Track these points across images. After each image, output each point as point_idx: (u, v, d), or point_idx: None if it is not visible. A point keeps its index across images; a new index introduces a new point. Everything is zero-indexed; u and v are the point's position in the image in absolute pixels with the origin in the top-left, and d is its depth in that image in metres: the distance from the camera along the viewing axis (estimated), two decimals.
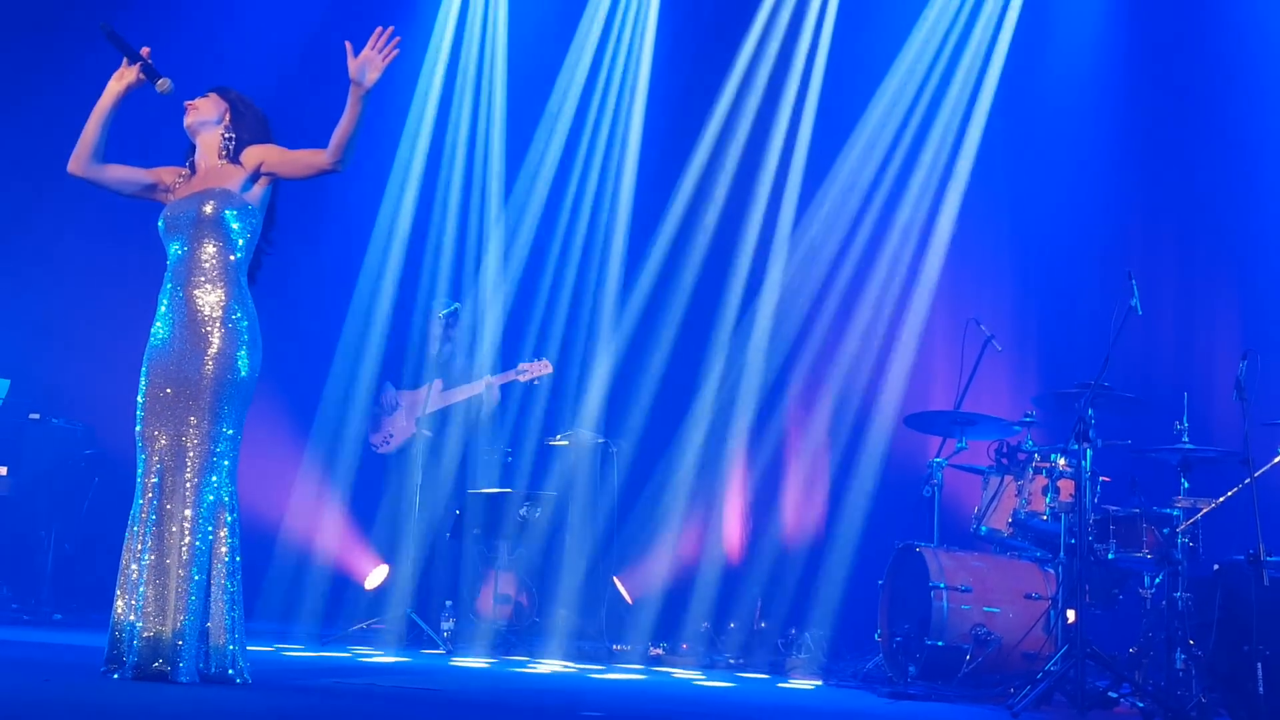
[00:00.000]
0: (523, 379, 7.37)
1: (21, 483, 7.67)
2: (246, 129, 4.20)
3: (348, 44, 3.90)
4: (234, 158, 4.15)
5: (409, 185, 8.32)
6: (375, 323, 8.14)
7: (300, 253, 6.73)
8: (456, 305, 7.45)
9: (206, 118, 4.19)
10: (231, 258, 4.06)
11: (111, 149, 4.14)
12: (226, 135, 4.16)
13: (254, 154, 4.15)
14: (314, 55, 7.76)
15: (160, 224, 4.11)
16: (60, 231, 8.04)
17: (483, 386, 7.36)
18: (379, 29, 3.91)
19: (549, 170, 8.40)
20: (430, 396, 7.37)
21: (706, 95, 8.34)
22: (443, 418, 7.46)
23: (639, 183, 8.42)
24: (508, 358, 7.81)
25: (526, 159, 8.45)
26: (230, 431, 3.99)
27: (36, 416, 7.69)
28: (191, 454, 3.92)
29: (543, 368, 7.35)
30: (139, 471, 3.96)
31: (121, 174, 4.15)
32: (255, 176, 4.14)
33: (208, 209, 4.05)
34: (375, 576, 7.76)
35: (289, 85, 7.40)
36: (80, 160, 4.07)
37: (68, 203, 7.79)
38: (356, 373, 7.98)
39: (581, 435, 7.75)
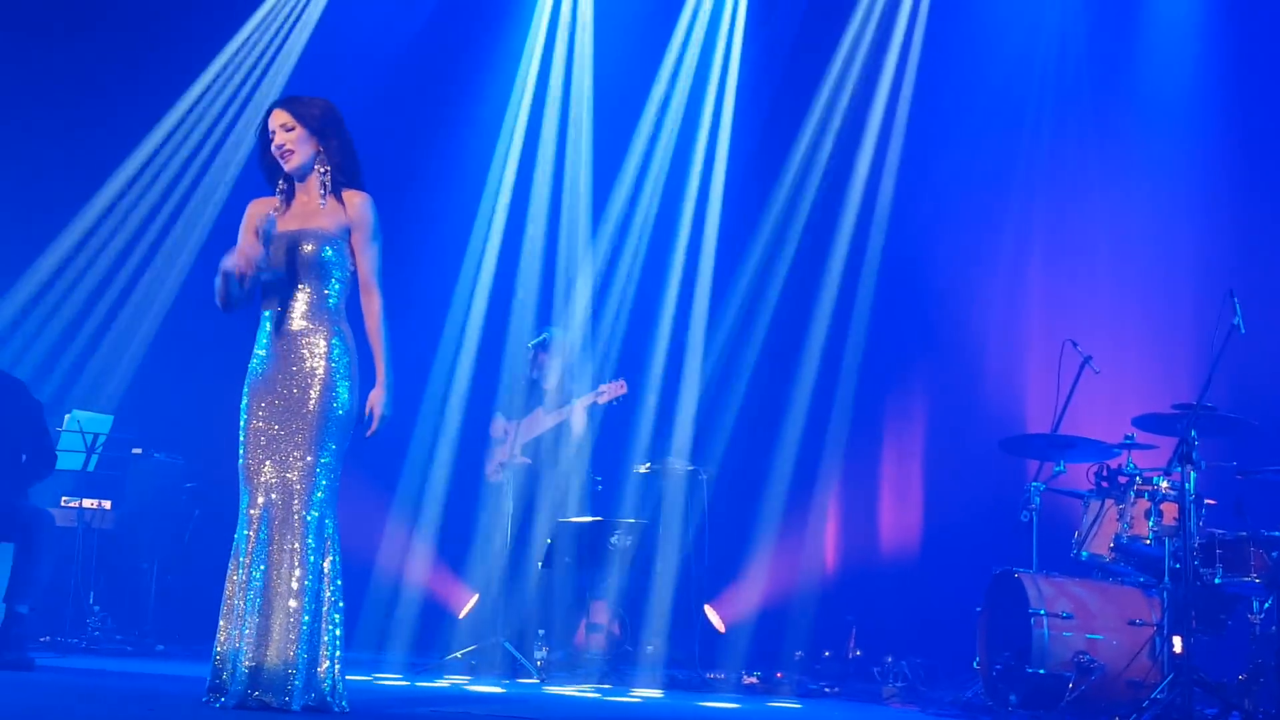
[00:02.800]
0: (601, 400, 7.32)
1: (125, 516, 7.76)
2: (338, 151, 4.17)
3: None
4: (335, 192, 4.14)
5: (497, 212, 8.36)
6: (465, 352, 8.18)
7: (392, 283, 6.52)
8: (546, 334, 7.44)
9: (304, 160, 4.17)
10: (332, 295, 4.10)
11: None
12: (323, 170, 4.15)
13: (354, 208, 4.14)
14: (413, 63, 7.90)
15: (260, 259, 4.13)
16: (160, 269, 8.21)
17: (569, 412, 7.33)
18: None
19: (639, 194, 8.37)
20: (528, 424, 7.36)
21: (795, 108, 8.25)
22: (539, 445, 7.44)
23: (727, 200, 8.31)
24: (599, 383, 7.73)
25: (615, 184, 8.39)
26: (333, 463, 4.02)
27: (139, 451, 7.81)
28: (298, 487, 3.94)
29: (618, 388, 7.28)
30: (243, 504, 3.99)
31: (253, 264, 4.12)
32: (350, 230, 4.18)
33: (307, 248, 4.08)
34: (467, 605, 7.77)
35: (390, 93, 7.59)
36: (230, 306, 4.13)
37: (169, 241, 8.01)
38: (446, 403, 8.03)
39: (671, 463, 7.69)
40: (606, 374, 7.93)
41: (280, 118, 4.11)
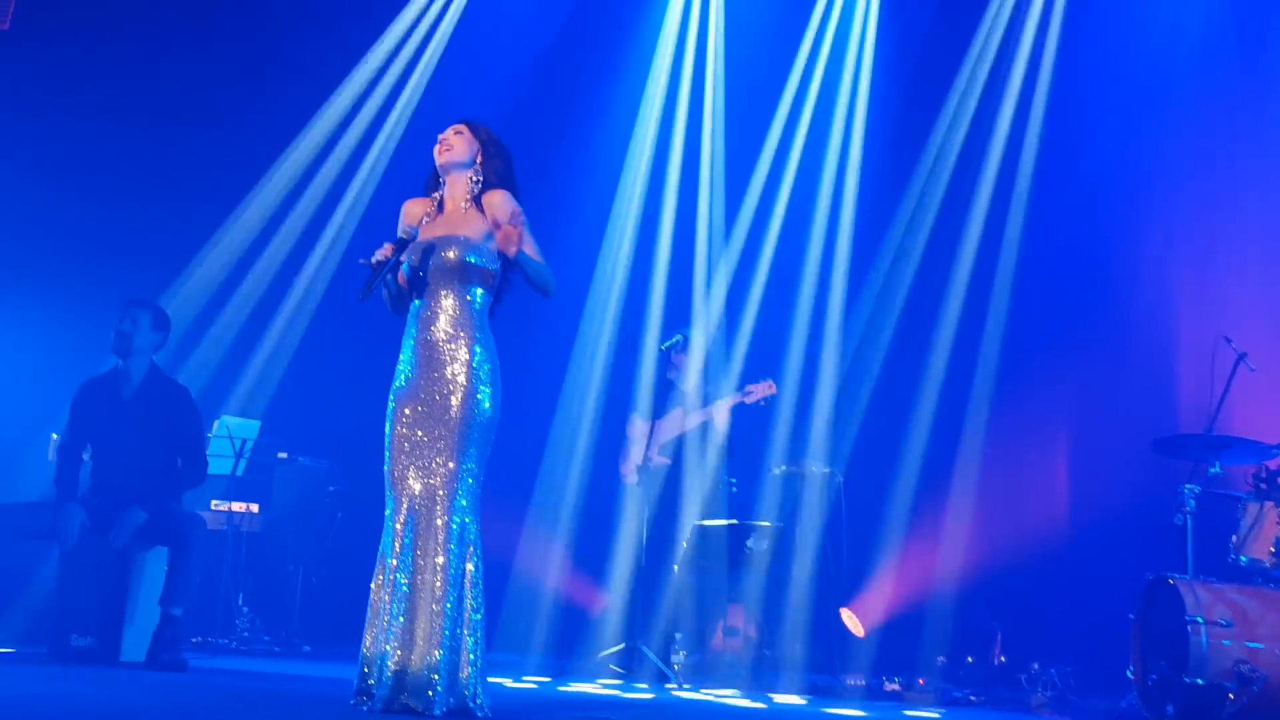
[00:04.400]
0: (749, 400, 7.13)
1: (271, 519, 7.74)
2: (494, 172, 4.15)
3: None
4: (477, 201, 4.12)
5: (631, 212, 8.20)
6: (601, 352, 8.04)
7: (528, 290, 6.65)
8: (680, 336, 7.28)
9: (460, 158, 4.14)
10: (475, 301, 4.05)
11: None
12: (475, 179, 4.13)
13: (495, 205, 4.09)
14: (545, 65, 7.82)
15: (404, 265, 4.09)
16: (308, 276, 8.21)
17: (713, 412, 7.16)
18: (504, 229, 3.88)
19: (773, 192, 8.19)
20: (666, 425, 7.19)
21: (929, 102, 8.02)
22: (678, 446, 7.31)
23: (861, 196, 8.08)
24: (739, 383, 7.60)
25: (749, 182, 8.21)
26: (475, 469, 3.97)
27: (284, 455, 7.77)
28: (441, 493, 3.90)
29: (767, 388, 7.11)
30: (388, 510, 3.97)
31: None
32: (493, 230, 4.11)
33: (451, 254, 4.04)
34: (601, 607, 7.72)
35: (523, 97, 7.54)
36: (399, 308, 4.12)
37: (316, 249, 8.03)
38: (583, 404, 7.90)
39: (807, 465, 7.52)
40: (744, 374, 7.73)
41: (455, 127, 4.17)
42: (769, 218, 8.20)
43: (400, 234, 4.00)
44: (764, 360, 7.85)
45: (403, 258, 3.93)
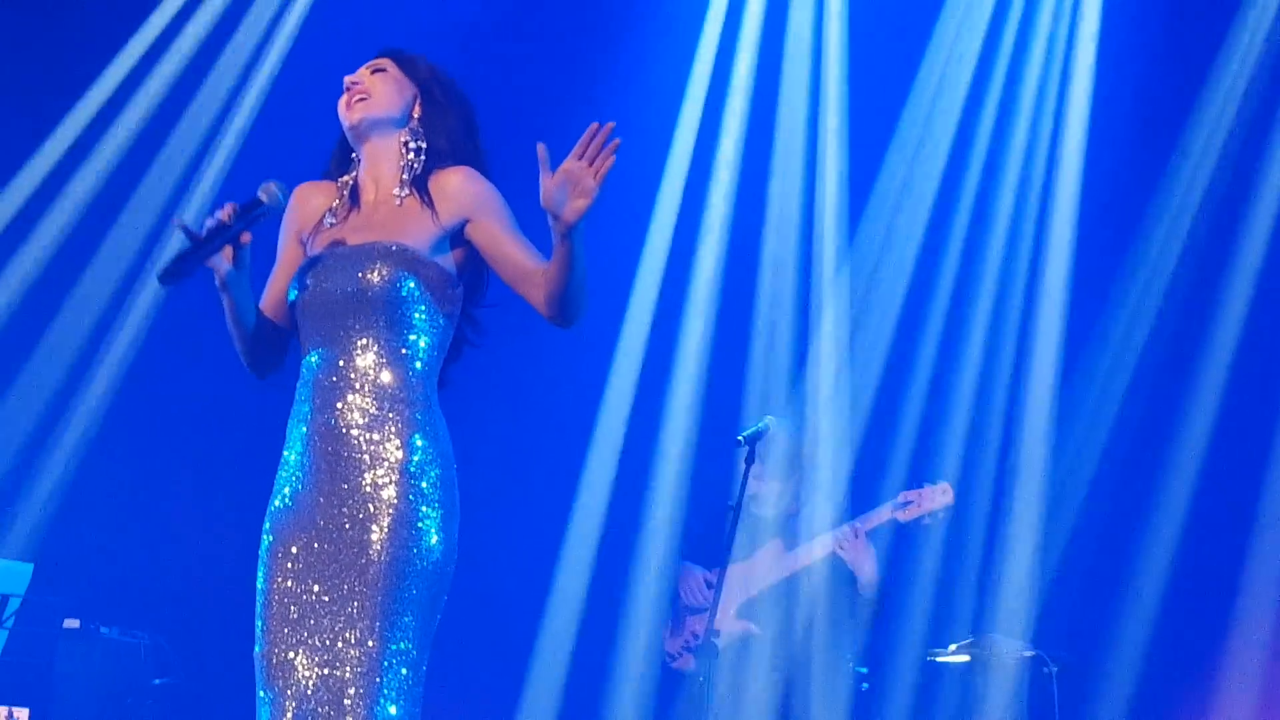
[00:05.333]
0: (905, 517, 5.11)
1: None
2: (445, 134, 3.07)
3: (540, 149, 2.78)
4: (422, 184, 3.02)
5: (671, 219, 6.23)
6: (620, 448, 6.09)
7: (518, 348, 4.81)
8: (768, 421, 5.06)
9: (381, 111, 3.06)
10: (414, 359, 2.96)
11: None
12: (413, 146, 3.05)
13: (456, 191, 3.01)
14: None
15: (291, 296, 2.97)
16: (99, 297, 6.24)
17: (836, 541, 5.14)
18: (593, 127, 2.75)
19: (915, 211, 6.11)
20: (750, 570, 5.23)
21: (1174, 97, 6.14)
22: (773, 604, 5.28)
23: (1085, 219, 6.01)
24: (866, 498, 5.44)
25: (871, 198, 6.15)
26: (412, 650, 2.89)
27: (75, 624, 5.87)
28: (351, 691, 2.85)
29: (940, 495, 5.09)
30: (261, 717, 2.93)
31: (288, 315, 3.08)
32: (454, 235, 2.99)
33: (375, 277, 2.93)
34: None
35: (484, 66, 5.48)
36: (258, 365, 3.07)
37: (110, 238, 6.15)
38: (609, 544, 5.92)
39: (996, 645, 5.33)
40: (881, 485, 5.48)
41: (373, 62, 3.13)
42: (917, 236, 6.14)
43: (260, 194, 2.87)
44: (919, 460, 5.83)
45: (245, 237, 2.85)
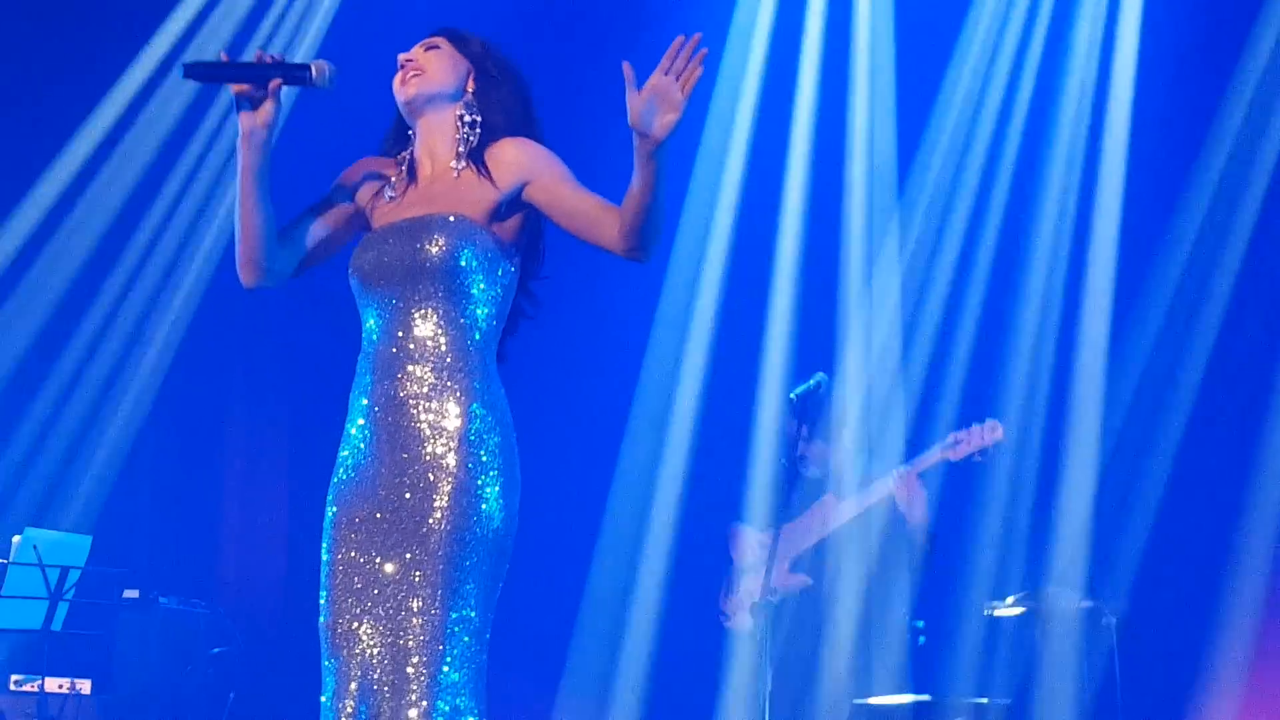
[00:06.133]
0: (955, 456, 5.06)
1: (114, 705, 5.91)
2: (500, 107, 3.09)
3: (626, 67, 2.78)
4: (478, 157, 3.05)
5: (728, 172, 6.07)
6: (681, 409, 5.98)
7: (569, 315, 4.94)
8: (820, 377, 5.07)
9: (436, 87, 3.08)
10: (473, 329, 3.01)
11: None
12: (468, 120, 3.07)
13: (514, 159, 3.04)
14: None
15: (353, 270, 3.00)
16: (153, 277, 6.20)
17: (889, 489, 5.12)
18: (679, 40, 2.74)
19: (966, 164, 6.00)
20: (803, 525, 5.22)
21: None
22: (828, 555, 5.30)
23: (1133, 181, 5.90)
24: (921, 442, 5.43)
25: (919, 151, 6.06)
26: (475, 617, 2.91)
27: (134, 594, 5.95)
28: (415, 660, 2.88)
29: (989, 432, 5.04)
30: (327, 690, 2.94)
31: (312, 237, 3.05)
32: (514, 200, 3.00)
33: (434, 249, 2.98)
34: None
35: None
36: (255, 264, 3.00)
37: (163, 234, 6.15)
38: (654, 495, 5.89)
39: (1053, 596, 5.29)
40: (934, 426, 5.48)
41: (427, 40, 3.15)
42: (967, 185, 6.00)
43: (310, 65, 2.84)
44: (970, 405, 5.70)
45: (275, 83, 2.81)
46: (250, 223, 2.98)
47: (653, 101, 2.79)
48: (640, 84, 2.77)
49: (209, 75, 2.98)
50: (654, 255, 2.94)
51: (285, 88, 2.89)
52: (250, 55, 2.91)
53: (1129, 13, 6.02)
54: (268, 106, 2.90)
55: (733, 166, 6.29)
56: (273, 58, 2.92)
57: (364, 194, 3.07)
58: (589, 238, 2.96)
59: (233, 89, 2.89)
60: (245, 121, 2.90)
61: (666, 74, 2.78)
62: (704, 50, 2.82)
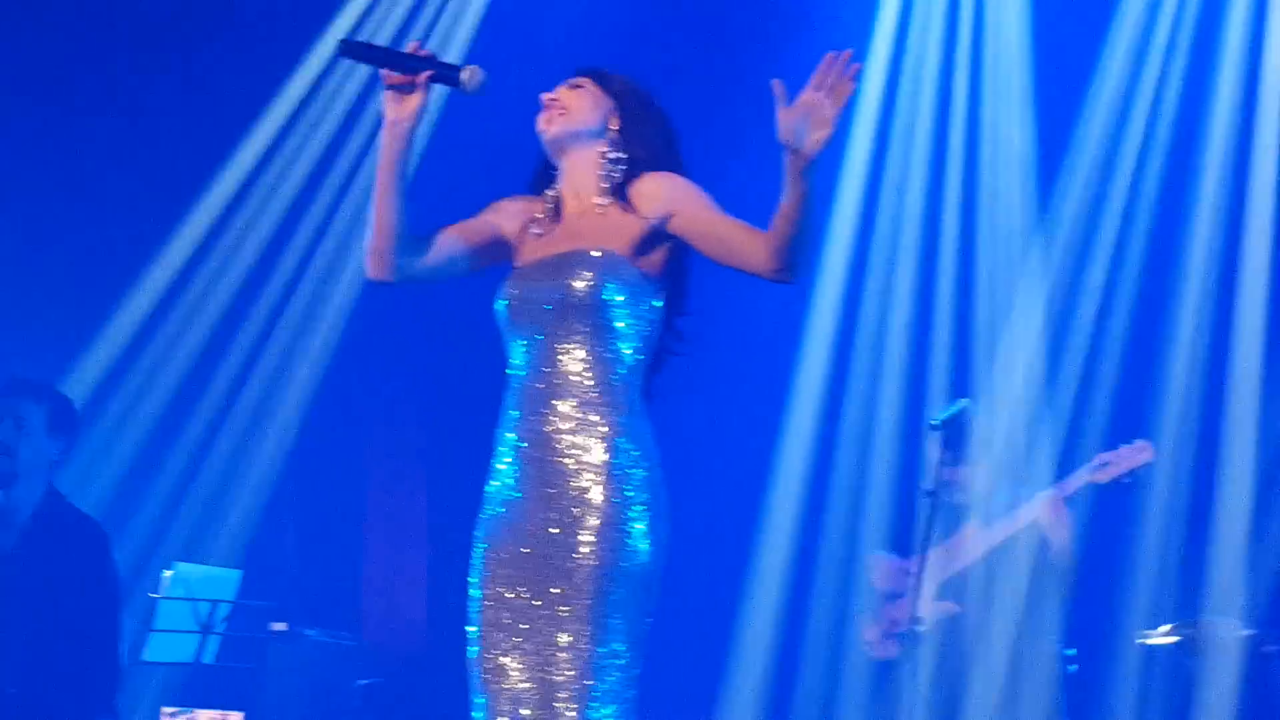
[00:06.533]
0: (1103, 479, 4.89)
1: None
2: (644, 143, 3.08)
3: (776, 84, 2.75)
4: (622, 193, 3.05)
5: (848, 183, 5.95)
6: (807, 437, 5.89)
7: (714, 348, 4.65)
8: (964, 403, 4.98)
9: (579, 124, 3.10)
10: (619, 364, 3.02)
11: None
12: (612, 156, 3.08)
13: (656, 192, 3.04)
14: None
15: (499, 305, 3.03)
16: (299, 309, 6.18)
17: (1034, 516, 4.97)
18: (830, 56, 2.72)
19: (1107, 179, 5.80)
20: (948, 553, 5.09)
21: None
22: (971, 585, 5.15)
23: None
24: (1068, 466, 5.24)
25: (1061, 171, 5.86)
26: (625, 651, 2.92)
27: (283, 627, 5.86)
28: (563, 695, 2.90)
29: (1138, 453, 4.90)
30: None
31: (444, 255, 3.05)
32: (658, 232, 2.99)
33: (580, 284, 2.99)
34: None
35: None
36: (383, 257, 3.00)
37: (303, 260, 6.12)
38: (797, 533, 5.79)
39: (1210, 624, 5.06)
40: (1079, 449, 5.32)
41: (571, 80, 3.18)
42: (1114, 195, 5.78)
43: (463, 66, 2.90)
44: (1119, 425, 5.53)
45: (423, 76, 2.86)
46: (384, 213, 2.98)
47: (804, 118, 2.75)
48: (790, 101, 2.72)
49: (363, 56, 3.00)
50: (802, 276, 2.91)
51: (436, 86, 2.89)
52: (406, 47, 2.92)
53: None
54: (415, 98, 2.90)
55: (852, 179, 6.09)
56: (428, 53, 2.92)
57: (510, 227, 3.07)
58: (736, 263, 2.93)
59: (384, 75, 2.90)
60: (390, 110, 2.90)
61: (818, 90, 2.75)
62: (856, 65, 2.79)
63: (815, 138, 2.72)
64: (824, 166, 2.81)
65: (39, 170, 5.86)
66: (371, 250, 3.02)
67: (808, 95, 2.75)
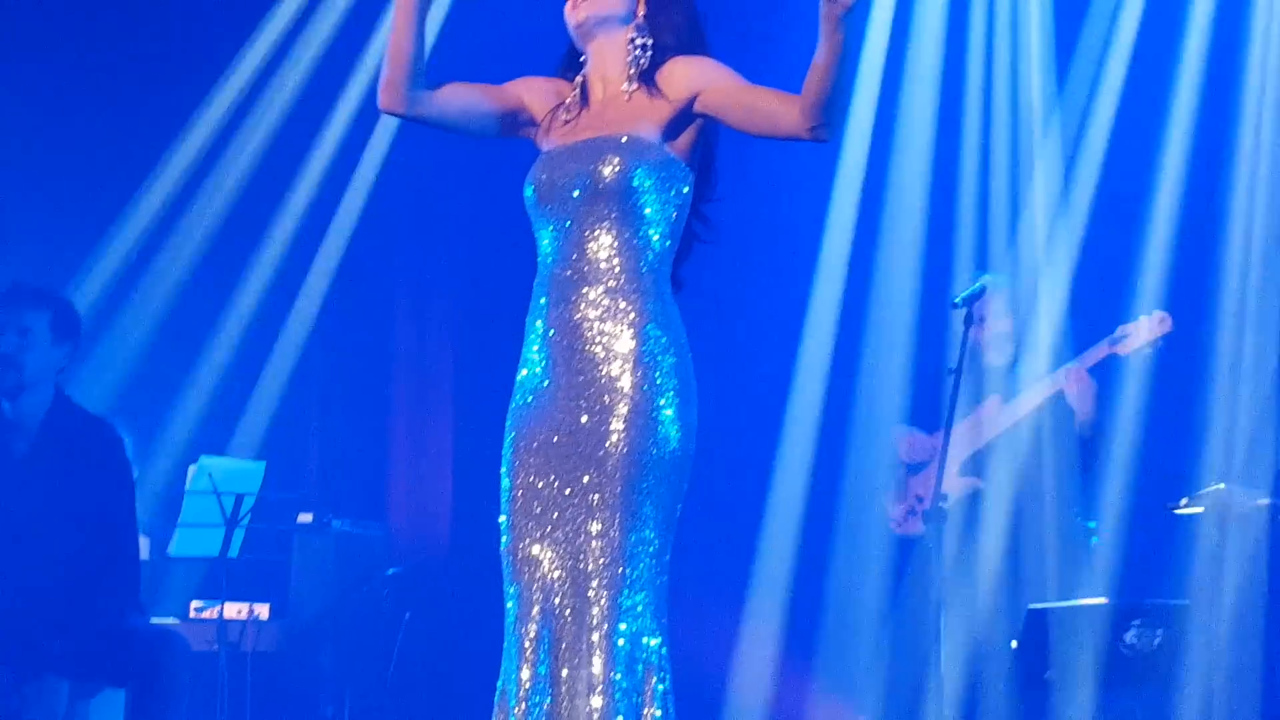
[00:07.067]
0: (1124, 350, 4.98)
1: (292, 628, 5.96)
2: (671, 28, 3.09)
3: None
4: (649, 78, 3.06)
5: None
6: (836, 318, 5.86)
7: (734, 234, 4.70)
8: (985, 279, 4.98)
9: (606, 9, 3.09)
10: (647, 250, 3.02)
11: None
12: (639, 41, 3.09)
13: (683, 73, 3.05)
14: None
15: (528, 191, 3.03)
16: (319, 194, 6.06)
17: (1055, 385, 5.05)
18: None
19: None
20: (970, 427, 5.16)
21: None
22: (995, 458, 5.20)
23: None
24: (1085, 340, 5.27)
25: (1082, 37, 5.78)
26: (655, 539, 2.91)
27: (309, 518, 5.95)
28: (595, 583, 2.91)
29: (1157, 325, 4.96)
30: (510, 613, 2.97)
31: (461, 99, 3.07)
32: (686, 114, 3.00)
33: (607, 169, 3.00)
34: None
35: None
36: (396, 86, 3.01)
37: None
38: (822, 407, 5.81)
39: (1227, 496, 5.04)
40: (1101, 321, 5.30)
41: None
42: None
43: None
44: (1130, 303, 5.50)
45: None
46: (399, 45, 2.99)
47: None
48: None
49: None
50: (837, 133, 2.90)
51: None
52: None
53: None
54: None
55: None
56: None
57: (537, 104, 3.05)
58: (769, 129, 2.92)
59: None
60: None
61: None
62: None
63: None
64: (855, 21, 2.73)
65: (41, 68, 5.78)
66: (384, 80, 3.02)
67: None
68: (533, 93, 3.08)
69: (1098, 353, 4.99)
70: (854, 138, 5.94)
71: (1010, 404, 5.12)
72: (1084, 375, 4.96)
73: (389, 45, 3.01)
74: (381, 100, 3.05)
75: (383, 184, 5.98)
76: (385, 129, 6.02)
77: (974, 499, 5.16)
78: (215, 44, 5.97)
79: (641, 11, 3.08)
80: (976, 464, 5.21)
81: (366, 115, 5.99)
